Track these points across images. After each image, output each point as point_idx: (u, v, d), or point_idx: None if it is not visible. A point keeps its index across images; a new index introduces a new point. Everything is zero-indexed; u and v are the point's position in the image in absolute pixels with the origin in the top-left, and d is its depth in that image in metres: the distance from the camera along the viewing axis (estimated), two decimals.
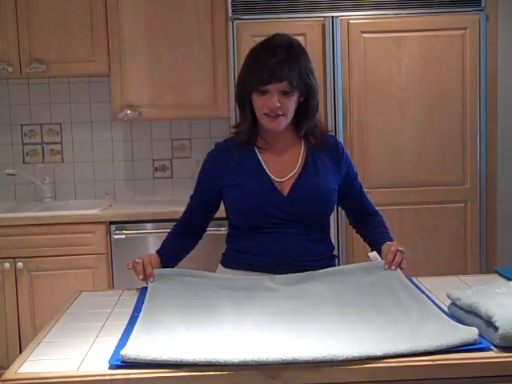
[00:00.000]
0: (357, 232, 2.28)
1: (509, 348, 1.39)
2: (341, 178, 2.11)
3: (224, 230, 3.28)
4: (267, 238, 2.02)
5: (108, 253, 3.48)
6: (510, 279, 1.89)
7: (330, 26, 3.41)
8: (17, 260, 3.43)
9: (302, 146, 2.09)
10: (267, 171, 2.04)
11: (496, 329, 1.40)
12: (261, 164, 2.05)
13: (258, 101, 1.97)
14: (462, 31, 3.46)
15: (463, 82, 3.48)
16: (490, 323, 1.43)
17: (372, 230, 2.18)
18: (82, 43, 3.65)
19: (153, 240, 3.51)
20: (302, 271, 1.95)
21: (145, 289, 1.94)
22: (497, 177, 3.71)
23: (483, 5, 3.47)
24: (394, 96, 3.47)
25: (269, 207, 2.00)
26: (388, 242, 2.04)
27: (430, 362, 1.36)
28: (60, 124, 4.03)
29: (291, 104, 1.98)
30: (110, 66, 3.67)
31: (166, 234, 2.22)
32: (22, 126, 4.02)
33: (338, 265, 2.97)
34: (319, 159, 2.08)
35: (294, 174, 2.05)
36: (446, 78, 3.48)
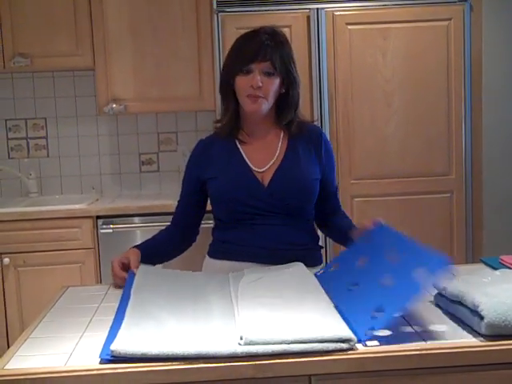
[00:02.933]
0: (323, 230, 2.27)
1: (494, 337, 1.40)
2: (321, 170, 2.12)
3: (211, 223, 3.28)
4: (250, 229, 2.04)
5: (95, 247, 3.47)
6: (495, 268, 1.90)
7: (315, 17, 3.41)
8: (3, 256, 3.42)
9: (282, 135, 2.11)
10: (247, 162, 2.06)
11: (482, 318, 1.41)
12: (241, 155, 2.08)
13: (242, 81, 2.00)
14: (447, 22, 3.47)
15: (448, 72, 3.49)
16: (475, 312, 1.44)
17: (341, 220, 2.18)
18: (66, 37, 3.63)
19: (140, 234, 3.51)
20: (287, 260, 1.96)
21: (133, 273, 1.93)
22: (482, 167, 3.73)
23: None
24: (379, 87, 3.48)
25: (249, 198, 2.03)
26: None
27: (418, 352, 1.36)
28: (45, 118, 4.01)
29: (272, 86, 2.01)
30: (95, 59, 3.65)
31: (157, 233, 2.22)
32: (6, 120, 4.00)
33: (325, 257, 2.97)
34: (300, 148, 2.10)
35: (274, 162, 2.07)
36: (431, 68, 3.49)
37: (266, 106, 2.03)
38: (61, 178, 4.04)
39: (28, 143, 4.02)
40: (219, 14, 3.42)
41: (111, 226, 3.47)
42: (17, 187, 4.02)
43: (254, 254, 2.04)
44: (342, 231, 2.11)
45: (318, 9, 3.42)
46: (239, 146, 2.10)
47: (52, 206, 3.57)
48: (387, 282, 1.56)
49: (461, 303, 1.52)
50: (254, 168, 2.06)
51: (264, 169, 2.06)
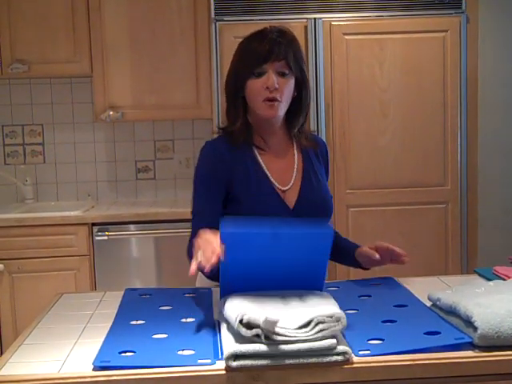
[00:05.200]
0: None
1: (488, 347, 1.40)
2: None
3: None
4: None
5: (90, 254, 3.47)
6: (489, 279, 1.91)
7: (313, 27, 3.42)
8: None
9: (295, 147, 2.02)
10: (271, 179, 1.94)
11: (475, 329, 1.41)
12: (262, 168, 1.95)
13: (255, 85, 1.87)
14: (443, 33, 3.49)
15: (444, 83, 3.51)
16: (469, 323, 1.44)
17: (339, 237, 2.10)
18: (64, 44, 3.64)
19: (136, 241, 3.51)
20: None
21: (128, 291, 1.94)
22: (477, 178, 3.75)
23: (464, 7, 3.50)
24: (376, 97, 3.49)
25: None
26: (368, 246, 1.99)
27: (411, 362, 1.37)
28: (42, 125, 4.01)
29: (288, 88, 1.89)
30: (93, 66, 3.66)
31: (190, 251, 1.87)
32: (3, 126, 4.00)
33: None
34: (314, 162, 2.03)
35: (296, 181, 1.97)
36: (428, 79, 3.50)
37: (282, 110, 1.91)
38: (57, 184, 4.04)
39: (24, 149, 4.02)
40: (217, 22, 3.44)
41: (106, 233, 3.46)
42: (12, 193, 4.02)
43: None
44: (345, 252, 2.05)
45: (315, 19, 3.43)
46: (258, 156, 1.96)
47: (47, 212, 3.57)
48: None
49: (455, 314, 1.52)
50: (277, 186, 1.94)
51: (287, 187, 1.96)
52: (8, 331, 3.44)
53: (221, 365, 1.36)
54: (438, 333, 1.47)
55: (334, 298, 1.74)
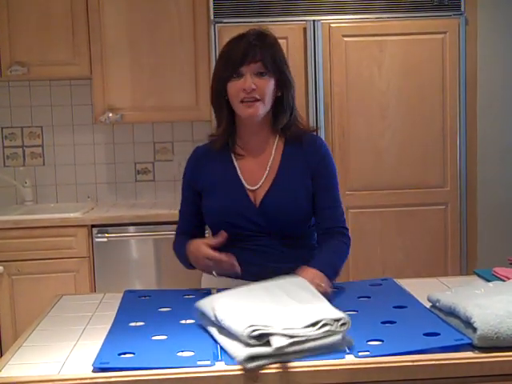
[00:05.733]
0: None
1: (487, 348, 1.40)
2: (312, 184, 1.99)
3: (206, 233, 3.28)
4: (244, 249, 1.95)
5: (90, 256, 3.46)
6: (488, 280, 1.91)
7: (312, 29, 3.43)
8: None
9: (275, 147, 2.02)
10: (241, 179, 1.99)
11: (475, 330, 1.41)
12: (236, 171, 2.01)
13: (234, 87, 1.93)
14: (442, 35, 3.49)
15: (443, 85, 3.51)
16: (469, 324, 1.45)
17: (320, 248, 2.00)
18: (64, 46, 3.64)
19: (135, 243, 3.51)
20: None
21: (128, 293, 1.94)
22: (477, 179, 3.75)
23: (463, 9, 3.50)
24: (375, 99, 3.50)
25: (240, 219, 1.96)
26: (309, 270, 1.83)
27: (411, 363, 1.37)
28: (41, 127, 4.01)
29: (267, 87, 1.93)
30: (92, 68, 3.66)
31: (175, 246, 2.12)
32: (2, 128, 4.00)
33: None
34: (295, 162, 2.00)
35: (267, 179, 1.98)
36: (427, 81, 3.51)
37: (263, 109, 1.94)
38: (56, 186, 4.04)
39: (24, 151, 4.02)
40: (216, 24, 3.44)
41: (106, 234, 3.46)
42: (12, 195, 4.02)
43: (250, 271, 1.91)
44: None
45: (314, 21, 3.43)
46: (234, 160, 2.03)
47: (47, 214, 3.56)
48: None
49: (454, 315, 1.52)
50: (246, 186, 1.99)
51: (256, 186, 1.98)
52: (8, 333, 3.43)
53: (220, 366, 1.36)
54: (437, 334, 1.47)
55: (333, 299, 1.75)
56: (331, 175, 2.04)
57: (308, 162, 2.01)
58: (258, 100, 1.93)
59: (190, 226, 2.12)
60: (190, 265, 2.02)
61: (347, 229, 2.04)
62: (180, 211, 2.16)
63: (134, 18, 3.63)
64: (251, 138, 2.03)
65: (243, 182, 2.00)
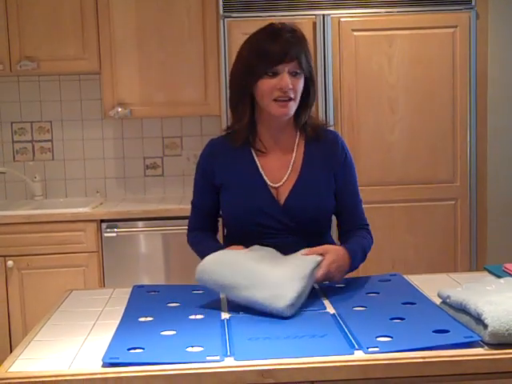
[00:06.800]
0: None
1: (498, 345, 1.40)
2: (335, 181, 2.01)
3: None
4: (266, 246, 1.92)
5: (99, 251, 3.47)
6: (499, 276, 1.90)
7: (321, 23, 3.41)
8: (7, 258, 3.42)
9: (297, 143, 2.01)
10: (263, 175, 1.97)
11: (486, 326, 1.40)
12: (257, 167, 1.98)
13: (267, 84, 1.88)
14: (453, 29, 3.47)
15: (453, 79, 3.49)
16: (479, 320, 1.44)
17: (347, 240, 2.01)
18: (73, 41, 3.64)
19: (144, 238, 3.51)
20: None
21: (136, 288, 1.94)
22: (487, 174, 3.73)
23: (473, 3, 3.48)
24: (384, 94, 3.48)
25: (264, 218, 1.94)
26: (332, 248, 1.88)
27: (421, 360, 1.36)
28: (50, 122, 4.01)
29: (300, 86, 1.92)
30: (101, 63, 3.66)
31: (193, 243, 2.09)
32: (12, 123, 4.01)
33: None
34: (317, 160, 2.00)
35: (290, 176, 1.97)
36: (437, 75, 3.49)
37: (294, 108, 1.94)
38: (65, 181, 4.05)
39: (33, 146, 4.03)
40: (225, 19, 3.43)
41: (115, 229, 3.47)
42: (21, 190, 4.03)
43: None
44: None
45: (324, 15, 3.42)
46: (255, 156, 1.99)
47: (56, 209, 3.58)
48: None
49: (465, 311, 1.52)
50: (269, 183, 1.97)
51: (279, 184, 1.97)
52: (17, 328, 3.45)
53: (229, 362, 1.36)
54: (446, 331, 1.46)
55: (342, 294, 1.77)
56: (353, 173, 2.07)
57: (331, 160, 2.01)
58: (291, 99, 1.91)
59: (204, 219, 2.09)
60: None
61: (369, 225, 2.09)
62: (193, 204, 2.11)
63: (143, 13, 3.63)
64: (274, 135, 2.01)
65: (265, 178, 1.97)
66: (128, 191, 4.07)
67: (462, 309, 1.52)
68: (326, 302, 1.74)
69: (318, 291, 1.85)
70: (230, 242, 2.00)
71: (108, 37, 3.63)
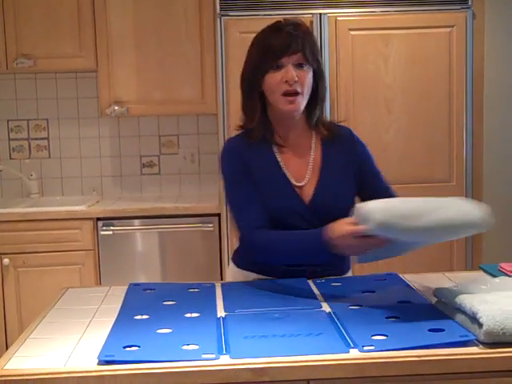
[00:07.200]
0: None
1: (493, 344, 1.40)
2: (355, 174, 2.01)
3: (211, 227, 3.29)
4: None
5: (95, 249, 3.47)
6: (494, 276, 1.90)
7: (318, 22, 3.42)
8: (3, 256, 3.42)
9: (313, 141, 2.00)
10: (287, 175, 1.95)
11: (481, 325, 1.41)
12: (279, 165, 1.96)
13: (274, 78, 1.87)
14: (449, 29, 3.48)
15: (450, 79, 3.50)
16: (475, 319, 1.44)
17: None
18: (70, 39, 3.64)
19: (140, 236, 3.51)
20: (318, 271, 1.94)
21: (132, 286, 1.94)
22: (483, 174, 3.73)
23: (470, 3, 3.48)
24: (380, 93, 3.48)
25: (291, 217, 1.92)
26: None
27: (416, 358, 1.37)
28: (47, 119, 4.01)
29: (307, 79, 1.89)
30: (98, 61, 3.66)
31: (280, 242, 1.91)
32: (8, 121, 4.00)
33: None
34: (335, 157, 1.99)
35: (312, 175, 1.96)
36: (433, 75, 3.49)
37: (303, 103, 1.91)
38: (62, 179, 4.05)
39: (29, 144, 4.02)
40: (222, 17, 3.43)
41: (111, 228, 3.47)
42: (18, 188, 4.03)
43: (284, 269, 1.93)
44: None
45: (320, 14, 3.42)
46: (276, 152, 1.97)
47: (52, 207, 3.58)
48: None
49: (460, 310, 1.52)
50: (293, 182, 1.95)
51: (303, 183, 1.95)
52: (13, 325, 3.45)
53: (225, 360, 1.36)
54: (442, 330, 1.47)
55: (336, 293, 1.77)
56: (374, 161, 2.09)
57: (350, 156, 2.01)
58: (298, 93, 1.89)
59: (261, 212, 1.91)
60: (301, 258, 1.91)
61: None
62: (241, 202, 1.95)
63: (140, 11, 3.63)
64: (289, 133, 1.99)
65: (289, 177, 1.96)
66: (124, 189, 4.07)
67: (458, 308, 1.53)
68: (322, 301, 1.74)
69: (313, 290, 1.85)
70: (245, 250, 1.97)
71: (105, 34, 3.63)
